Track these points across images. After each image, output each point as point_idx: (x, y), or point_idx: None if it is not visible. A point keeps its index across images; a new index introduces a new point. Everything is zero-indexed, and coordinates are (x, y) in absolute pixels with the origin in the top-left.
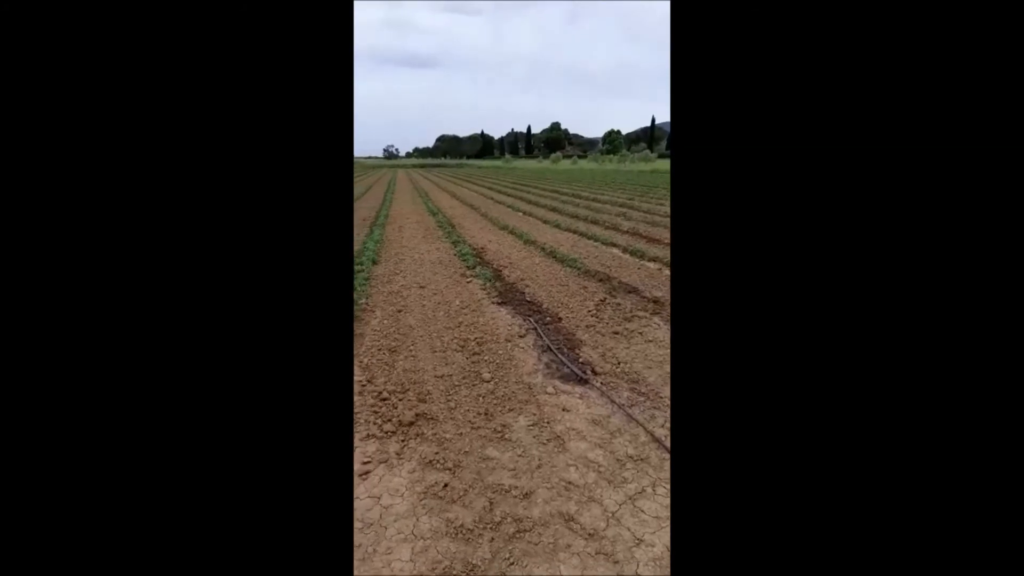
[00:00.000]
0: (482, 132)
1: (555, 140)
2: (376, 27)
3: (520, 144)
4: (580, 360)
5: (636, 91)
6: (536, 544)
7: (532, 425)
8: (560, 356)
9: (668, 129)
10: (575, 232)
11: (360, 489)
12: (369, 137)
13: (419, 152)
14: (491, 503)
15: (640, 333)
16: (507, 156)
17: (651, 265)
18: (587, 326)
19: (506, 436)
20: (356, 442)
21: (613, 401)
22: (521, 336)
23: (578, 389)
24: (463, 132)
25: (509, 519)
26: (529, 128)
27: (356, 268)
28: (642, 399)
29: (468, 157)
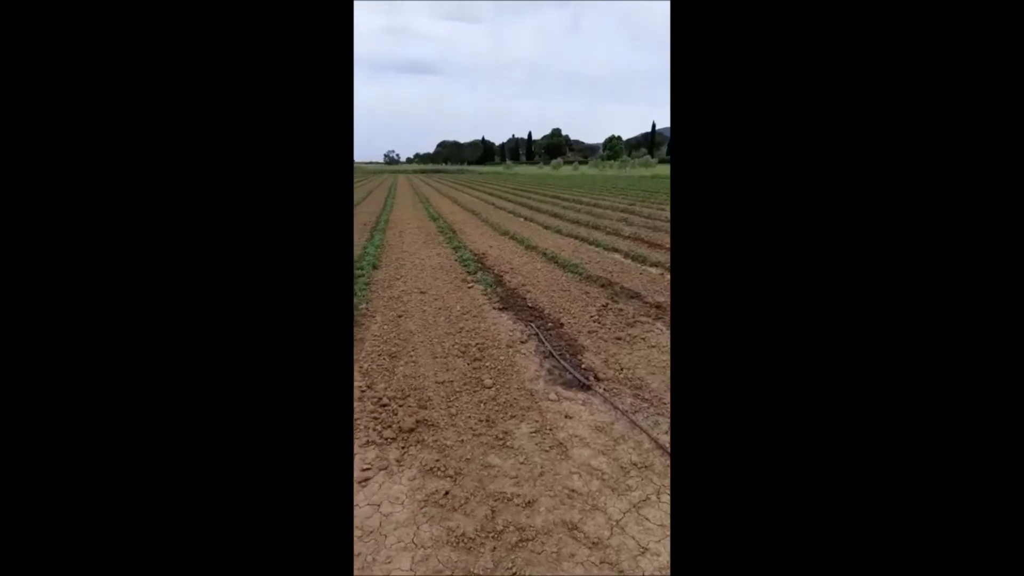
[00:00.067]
0: (483, 138)
1: (556, 146)
2: (377, 34)
3: (521, 150)
4: (582, 366)
5: (637, 97)
6: (539, 553)
7: (534, 432)
8: (562, 362)
9: (668, 135)
10: (576, 237)
11: (360, 496)
12: (370, 142)
13: (420, 158)
14: (493, 511)
15: (643, 339)
16: (508, 162)
17: (653, 270)
18: (589, 332)
19: (508, 443)
20: (356, 448)
21: (616, 407)
22: (523, 342)
23: (581, 395)
24: (464, 138)
25: (511, 528)
26: (530, 134)
27: (356, 273)
28: (645, 405)
29: (469, 163)
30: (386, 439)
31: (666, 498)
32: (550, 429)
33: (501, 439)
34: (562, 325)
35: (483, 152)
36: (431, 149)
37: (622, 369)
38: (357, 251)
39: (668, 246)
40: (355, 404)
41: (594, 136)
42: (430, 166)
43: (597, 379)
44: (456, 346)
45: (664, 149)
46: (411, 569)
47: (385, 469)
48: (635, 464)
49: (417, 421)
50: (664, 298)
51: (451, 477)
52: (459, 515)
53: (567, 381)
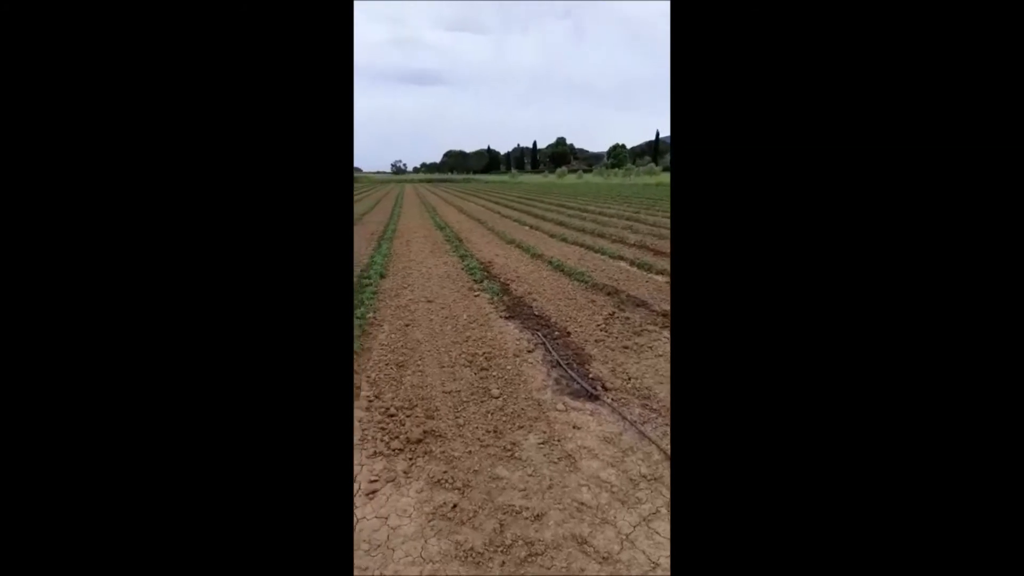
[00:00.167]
0: (488, 147)
1: (560, 155)
2: (383, 45)
3: (526, 159)
4: (590, 376)
5: (641, 105)
6: (549, 568)
7: (542, 443)
8: (570, 372)
9: None
10: (582, 245)
11: (367, 509)
12: (377, 152)
13: (426, 167)
14: (501, 525)
15: (650, 348)
16: (513, 171)
17: (659, 278)
18: (596, 340)
19: (516, 455)
20: (363, 459)
21: (625, 418)
22: (530, 351)
23: (589, 406)
24: (469, 147)
25: (520, 542)
26: (535, 143)
27: (364, 282)
28: (654, 416)
29: (475, 172)
30: (393, 450)
31: None
32: (558, 440)
33: (509, 450)
34: (569, 334)
35: (488, 161)
36: (437, 159)
37: (630, 379)
38: (365, 260)
39: None
40: (363, 414)
41: (598, 145)
42: (436, 175)
43: (605, 389)
44: (463, 355)
45: (668, 157)
46: None
47: (392, 481)
48: (644, 476)
49: (424, 432)
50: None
51: (459, 489)
52: (467, 529)
53: (574, 391)
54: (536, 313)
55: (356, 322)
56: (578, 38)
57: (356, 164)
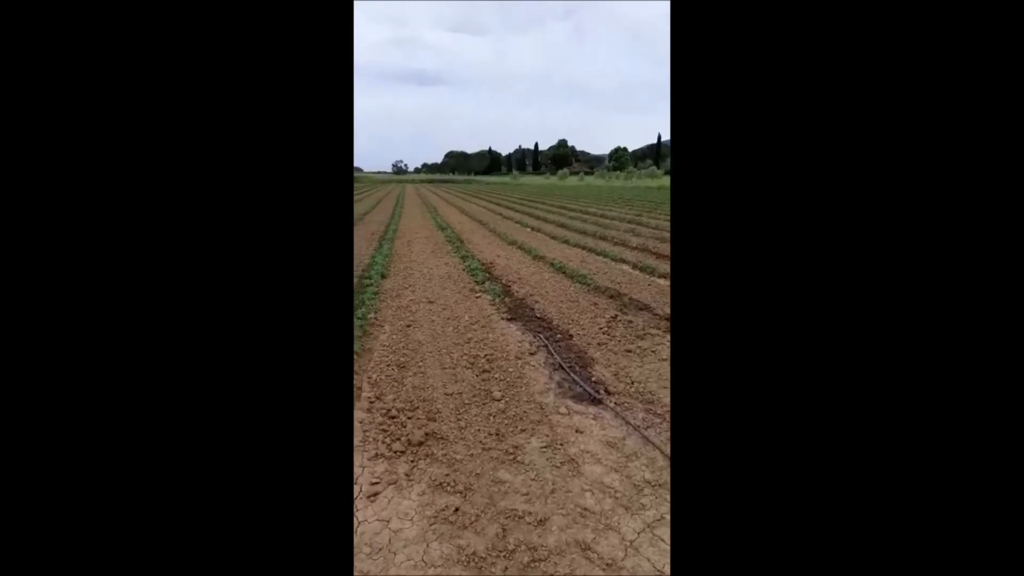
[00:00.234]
0: (489, 148)
1: (562, 157)
2: (384, 45)
3: (527, 160)
4: (593, 379)
5: (642, 108)
6: (552, 575)
7: (545, 447)
8: (572, 375)
9: None
10: (584, 248)
11: (369, 512)
12: (379, 153)
13: (428, 168)
14: (504, 529)
15: (653, 351)
16: (514, 172)
17: (662, 282)
18: (599, 344)
19: (518, 458)
20: (364, 461)
21: (628, 422)
22: (532, 353)
23: (592, 409)
24: (471, 148)
25: (523, 547)
26: (536, 145)
27: (365, 283)
28: (658, 420)
29: (476, 173)
30: (395, 452)
31: None
32: (561, 444)
33: (511, 454)
34: (571, 337)
35: (490, 162)
36: (439, 159)
37: (633, 383)
38: (366, 260)
39: None
40: (364, 415)
41: (600, 147)
42: (437, 176)
43: (608, 393)
44: (465, 357)
45: (669, 161)
46: None
47: (394, 484)
48: (648, 482)
49: (426, 434)
50: None
51: (461, 493)
52: (470, 533)
53: (577, 394)
54: (538, 315)
55: (357, 322)
56: (579, 40)
57: (357, 164)
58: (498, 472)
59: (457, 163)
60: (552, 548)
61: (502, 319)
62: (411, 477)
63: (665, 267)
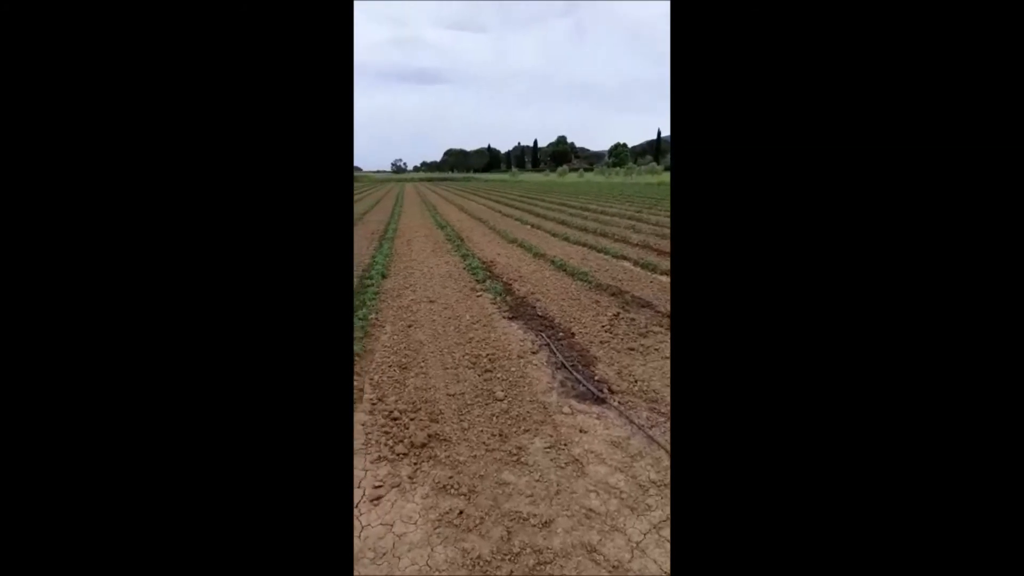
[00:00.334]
0: (489, 146)
1: (561, 153)
2: (384, 44)
3: (527, 157)
4: (596, 378)
5: (642, 105)
6: None
7: (549, 447)
8: (575, 374)
9: None
10: (584, 245)
11: (372, 515)
12: (378, 151)
13: (427, 166)
14: (509, 532)
15: (656, 349)
16: (514, 169)
17: (664, 279)
18: (601, 342)
19: (522, 459)
20: (367, 464)
21: (632, 422)
22: (534, 352)
23: (595, 409)
24: (470, 146)
25: (528, 550)
26: (535, 142)
27: (366, 283)
28: (662, 419)
29: (475, 171)
30: (398, 454)
31: None
32: (565, 444)
33: (515, 455)
34: (573, 335)
35: (489, 160)
36: (438, 157)
37: (636, 381)
38: (367, 260)
39: None
40: (366, 418)
41: (599, 143)
42: (436, 174)
43: (611, 391)
44: (466, 357)
45: (669, 157)
46: None
47: (397, 486)
48: (654, 482)
49: (429, 435)
50: None
51: (465, 495)
52: (474, 536)
53: (580, 393)
54: (539, 314)
55: (358, 323)
56: (579, 37)
57: (356, 163)
58: (502, 474)
59: (456, 161)
60: (558, 550)
61: (503, 318)
62: (414, 480)
63: (667, 264)
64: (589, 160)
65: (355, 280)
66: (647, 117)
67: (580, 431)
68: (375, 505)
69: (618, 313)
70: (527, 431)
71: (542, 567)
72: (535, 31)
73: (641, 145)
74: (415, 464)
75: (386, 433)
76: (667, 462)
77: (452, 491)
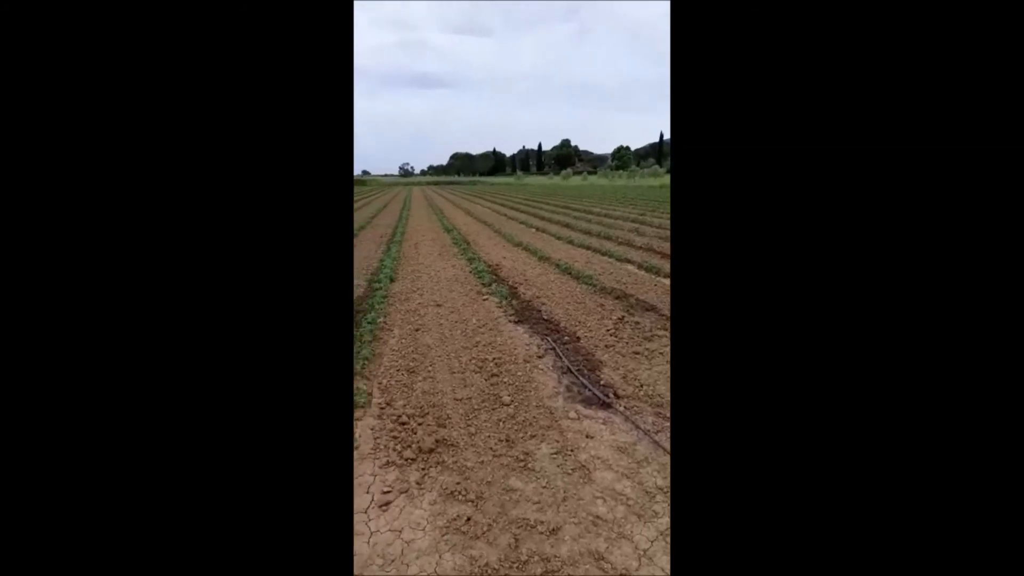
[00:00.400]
0: (494, 149)
1: (565, 157)
2: (390, 49)
3: (531, 161)
4: (601, 382)
5: (644, 107)
6: None
7: (555, 453)
8: (581, 378)
9: None
10: (589, 248)
11: (380, 521)
12: (385, 155)
13: (433, 170)
14: (516, 539)
15: (661, 353)
16: (519, 173)
17: (668, 282)
18: (606, 346)
19: (529, 465)
20: (375, 469)
21: (638, 427)
22: (540, 356)
23: (601, 414)
24: (475, 150)
25: (536, 557)
26: (540, 145)
27: (374, 286)
28: (668, 424)
29: (481, 174)
30: (406, 460)
31: None
32: (571, 450)
33: (522, 460)
34: (578, 339)
35: (494, 163)
36: (444, 161)
37: (642, 386)
38: (375, 264)
39: None
40: (375, 422)
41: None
42: (443, 178)
43: (617, 396)
44: (473, 361)
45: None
46: None
47: (406, 492)
48: (661, 488)
49: (436, 441)
50: None
51: (472, 502)
52: (482, 543)
53: (586, 398)
54: (545, 317)
55: (367, 327)
56: (581, 40)
57: (365, 167)
58: (509, 480)
59: (462, 165)
60: (565, 558)
61: (509, 322)
62: (422, 485)
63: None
64: (592, 163)
65: (364, 284)
66: (649, 119)
67: (586, 436)
68: (384, 511)
69: (623, 317)
70: (533, 436)
71: (550, 575)
72: (538, 34)
73: (644, 148)
74: (423, 469)
75: (394, 438)
76: None
77: (460, 497)
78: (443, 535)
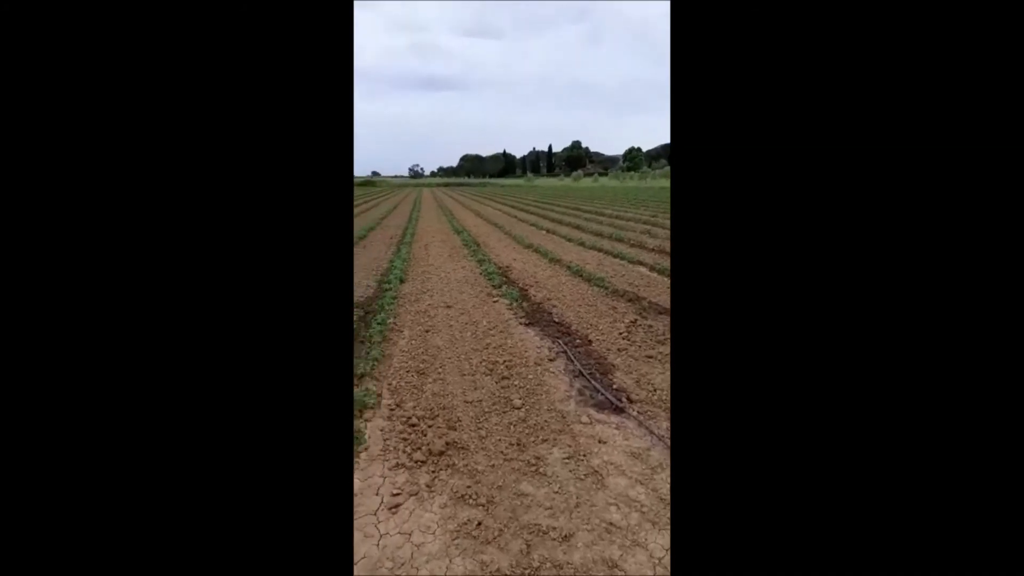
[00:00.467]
0: (504, 151)
1: (576, 158)
2: (401, 52)
3: (541, 162)
4: (614, 386)
5: (656, 108)
6: None
7: (567, 458)
8: (593, 382)
9: None
10: (600, 250)
11: (390, 524)
12: (396, 157)
13: (443, 171)
14: (528, 545)
15: None
16: (529, 175)
17: None
18: (619, 349)
19: (540, 470)
20: (385, 471)
21: (652, 432)
22: (551, 360)
23: (614, 419)
24: (485, 151)
25: (548, 564)
26: (550, 147)
27: (384, 287)
28: None
29: (491, 176)
30: (416, 462)
31: None
32: (583, 455)
33: (533, 465)
34: (590, 342)
35: (504, 165)
36: (454, 163)
37: (655, 390)
38: (385, 265)
39: None
40: (385, 423)
41: (614, 148)
42: (453, 179)
43: (630, 401)
44: (483, 363)
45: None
46: None
47: (415, 495)
48: None
49: (447, 443)
50: None
51: (483, 506)
52: (493, 548)
53: (599, 402)
54: (556, 320)
55: (377, 328)
56: (592, 41)
57: (375, 169)
58: (520, 484)
59: (472, 166)
60: (578, 566)
61: (520, 324)
62: (432, 488)
63: None
64: (603, 164)
65: (375, 285)
66: (661, 120)
67: (599, 441)
68: (393, 513)
69: (635, 320)
70: (545, 441)
71: None
72: (549, 36)
73: (655, 149)
74: (433, 472)
75: (404, 440)
76: None
77: (470, 501)
78: (453, 539)
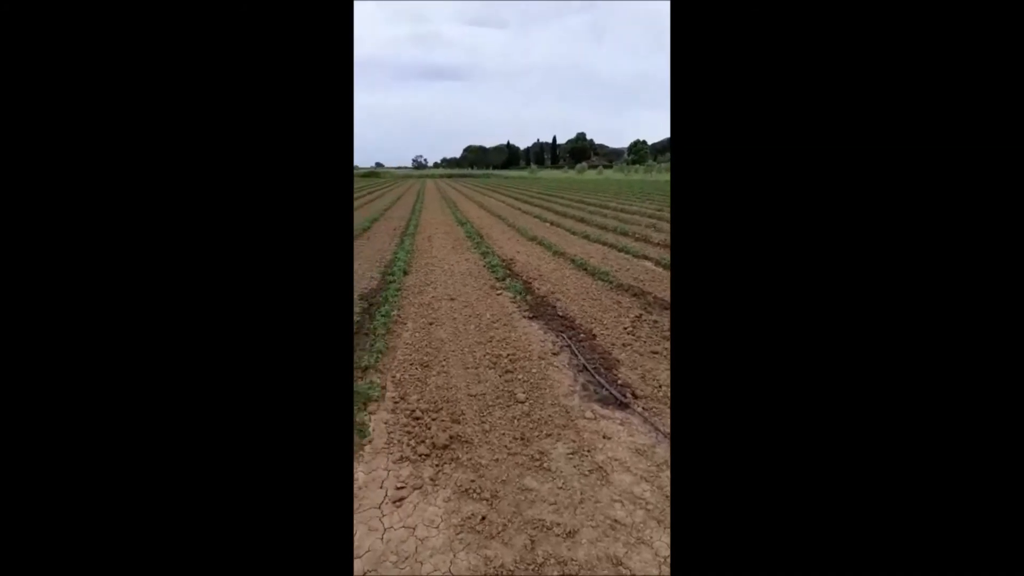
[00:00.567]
0: (508, 143)
1: (580, 150)
2: (404, 42)
3: (546, 154)
4: (618, 382)
5: (662, 101)
6: None
7: (572, 453)
8: (597, 377)
9: None
10: (604, 244)
11: (394, 518)
12: (400, 148)
13: (447, 162)
14: (532, 541)
15: None
16: (533, 166)
17: None
18: (624, 344)
19: (544, 465)
20: (389, 464)
21: (657, 429)
22: (555, 354)
23: (618, 414)
24: (489, 142)
25: (552, 560)
26: (554, 138)
27: (388, 279)
28: None
29: (494, 167)
30: (420, 455)
31: None
32: (588, 451)
33: (537, 459)
34: (595, 336)
35: (508, 156)
36: (457, 154)
37: (660, 386)
38: (388, 256)
39: None
40: (388, 416)
41: (619, 140)
42: (456, 171)
43: (635, 396)
44: (487, 356)
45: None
46: None
47: (419, 488)
48: None
49: (451, 437)
50: None
51: (487, 500)
52: (497, 543)
53: (603, 398)
54: (560, 314)
55: (380, 320)
56: (598, 33)
57: (379, 160)
58: (524, 479)
59: (476, 158)
60: (583, 562)
61: (524, 317)
62: (436, 482)
63: None
64: (608, 157)
65: (378, 277)
66: (666, 114)
67: (603, 437)
68: (397, 507)
69: (640, 315)
70: (549, 435)
71: None
72: (554, 27)
73: (661, 142)
74: (437, 466)
75: (408, 433)
76: None
77: (474, 495)
78: (457, 533)
